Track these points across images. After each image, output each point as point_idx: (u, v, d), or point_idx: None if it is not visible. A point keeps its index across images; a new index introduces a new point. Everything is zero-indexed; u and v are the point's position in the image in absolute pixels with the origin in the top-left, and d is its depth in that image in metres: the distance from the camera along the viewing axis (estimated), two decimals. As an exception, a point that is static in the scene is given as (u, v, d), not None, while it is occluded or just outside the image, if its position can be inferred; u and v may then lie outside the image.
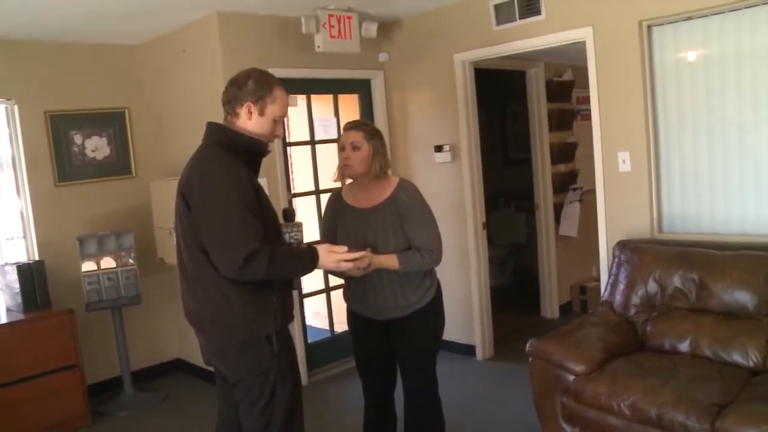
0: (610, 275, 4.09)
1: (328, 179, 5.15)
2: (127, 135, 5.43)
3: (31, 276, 4.60)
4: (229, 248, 2.40)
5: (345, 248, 2.75)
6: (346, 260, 2.73)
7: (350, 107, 5.56)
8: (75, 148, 5.16)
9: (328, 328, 5.51)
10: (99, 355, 5.16)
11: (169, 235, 4.80)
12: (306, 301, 5.38)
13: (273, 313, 2.59)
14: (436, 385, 3.30)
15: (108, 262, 4.90)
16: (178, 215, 2.59)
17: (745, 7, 3.72)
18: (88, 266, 4.85)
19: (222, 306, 2.53)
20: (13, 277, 4.59)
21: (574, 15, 4.39)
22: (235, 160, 2.52)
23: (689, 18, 3.94)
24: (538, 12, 4.55)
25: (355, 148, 3.07)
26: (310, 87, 5.20)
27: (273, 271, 2.47)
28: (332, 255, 2.69)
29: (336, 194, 3.33)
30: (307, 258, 2.64)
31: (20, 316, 4.54)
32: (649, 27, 4.11)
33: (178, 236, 2.64)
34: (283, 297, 2.66)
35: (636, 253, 3.93)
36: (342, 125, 3.26)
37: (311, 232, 5.06)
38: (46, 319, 4.56)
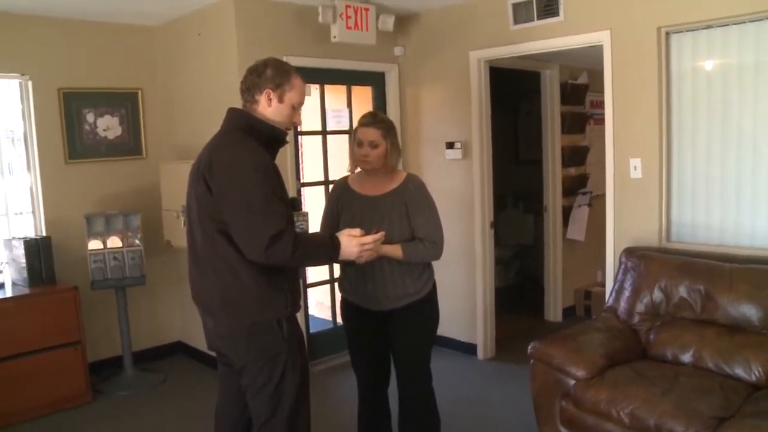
0: (615, 281, 4.07)
1: (338, 170, 5.16)
2: (139, 116, 5.43)
3: (37, 251, 4.62)
4: (256, 229, 2.41)
5: (361, 231, 2.76)
6: (366, 243, 2.73)
7: (363, 99, 5.55)
8: (87, 126, 5.16)
9: (330, 319, 5.51)
10: (101, 334, 5.18)
11: (176, 218, 4.81)
12: (309, 291, 5.39)
13: (284, 299, 2.61)
14: (430, 378, 3.31)
15: (114, 242, 4.91)
16: (195, 197, 2.59)
17: (767, 18, 3.69)
18: (94, 245, 4.86)
19: (234, 289, 2.54)
20: (20, 251, 4.60)
21: (592, 18, 4.36)
22: (258, 145, 2.54)
23: (709, 27, 3.91)
24: (556, 13, 4.52)
25: (373, 145, 3.11)
26: (324, 77, 5.18)
27: (298, 254, 2.47)
28: (353, 240, 2.70)
29: (342, 182, 3.35)
30: (330, 246, 2.66)
31: (25, 291, 4.56)
32: (667, 34, 4.08)
33: (192, 218, 2.63)
34: (293, 284, 2.67)
35: (643, 260, 3.91)
36: (357, 118, 3.28)
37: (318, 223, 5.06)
38: (51, 294, 4.58)
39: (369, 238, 2.75)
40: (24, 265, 4.59)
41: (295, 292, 2.69)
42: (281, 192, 2.56)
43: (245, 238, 2.45)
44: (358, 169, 3.28)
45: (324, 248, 2.67)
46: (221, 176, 2.48)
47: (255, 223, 2.42)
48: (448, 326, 5.30)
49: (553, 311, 6.37)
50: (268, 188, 2.46)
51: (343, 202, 3.25)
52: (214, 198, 2.50)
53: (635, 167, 4.25)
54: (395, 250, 3.04)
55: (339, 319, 5.38)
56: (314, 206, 5.40)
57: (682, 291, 3.68)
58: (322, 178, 5.30)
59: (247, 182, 2.44)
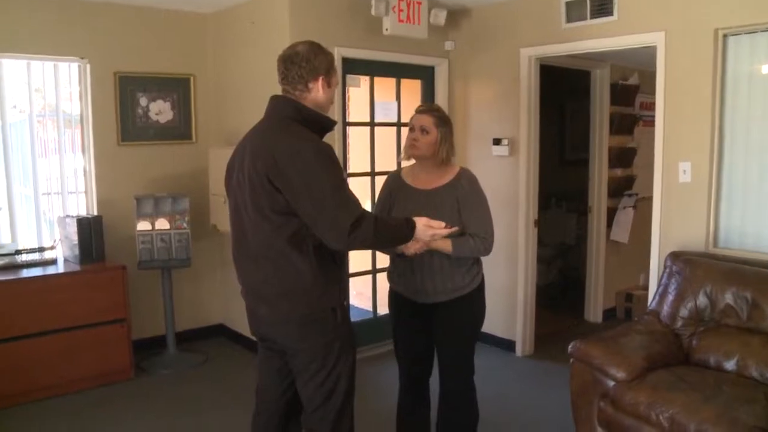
0: (659, 285, 4.03)
1: (385, 162, 5.19)
2: (190, 101, 5.53)
3: (89, 230, 4.75)
4: (335, 218, 2.40)
5: (443, 224, 2.77)
6: (436, 234, 2.76)
7: (412, 92, 5.56)
8: (139, 109, 5.28)
9: (370, 309, 5.56)
10: (145, 313, 5.30)
11: (224, 203, 4.87)
12: (350, 281, 5.43)
13: (337, 287, 2.63)
14: (472, 372, 3.33)
15: (162, 224, 5.03)
16: (249, 188, 2.53)
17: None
18: (143, 226, 4.98)
19: (292, 278, 2.53)
20: (72, 229, 4.74)
21: (647, 18, 4.31)
22: (312, 133, 2.54)
23: (769, 29, 3.84)
24: (610, 12, 4.48)
25: (423, 131, 3.13)
26: (374, 69, 5.22)
27: (378, 237, 2.50)
28: (429, 230, 2.73)
29: (395, 174, 3.37)
30: (405, 227, 2.68)
31: (76, 267, 4.70)
32: (725, 36, 4.00)
33: (242, 209, 2.61)
34: (342, 273, 2.69)
35: (688, 265, 3.86)
36: (405, 111, 3.30)
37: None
38: (100, 272, 4.71)
39: (445, 231, 2.78)
40: (76, 242, 4.72)
41: (345, 280, 2.72)
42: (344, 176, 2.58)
43: (326, 228, 2.43)
44: (412, 161, 3.28)
45: (401, 230, 2.68)
46: (289, 170, 2.43)
47: (333, 213, 2.40)
48: (488, 322, 5.20)
49: (593, 312, 6.32)
50: (337, 176, 2.46)
51: (396, 194, 3.27)
52: (282, 193, 2.45)
53: (684, 171, 4.19)
54: (445, 244, 3.03)
55: (379, 310, 5.44)
56: (360, 196, 5.47)
57: (728, 298, 3.62)
58: (368, 169, 5.34)
59: (316, 173, 2.41)
